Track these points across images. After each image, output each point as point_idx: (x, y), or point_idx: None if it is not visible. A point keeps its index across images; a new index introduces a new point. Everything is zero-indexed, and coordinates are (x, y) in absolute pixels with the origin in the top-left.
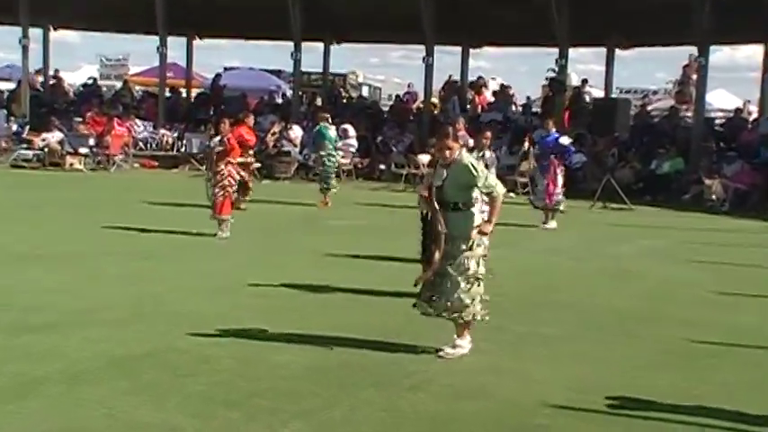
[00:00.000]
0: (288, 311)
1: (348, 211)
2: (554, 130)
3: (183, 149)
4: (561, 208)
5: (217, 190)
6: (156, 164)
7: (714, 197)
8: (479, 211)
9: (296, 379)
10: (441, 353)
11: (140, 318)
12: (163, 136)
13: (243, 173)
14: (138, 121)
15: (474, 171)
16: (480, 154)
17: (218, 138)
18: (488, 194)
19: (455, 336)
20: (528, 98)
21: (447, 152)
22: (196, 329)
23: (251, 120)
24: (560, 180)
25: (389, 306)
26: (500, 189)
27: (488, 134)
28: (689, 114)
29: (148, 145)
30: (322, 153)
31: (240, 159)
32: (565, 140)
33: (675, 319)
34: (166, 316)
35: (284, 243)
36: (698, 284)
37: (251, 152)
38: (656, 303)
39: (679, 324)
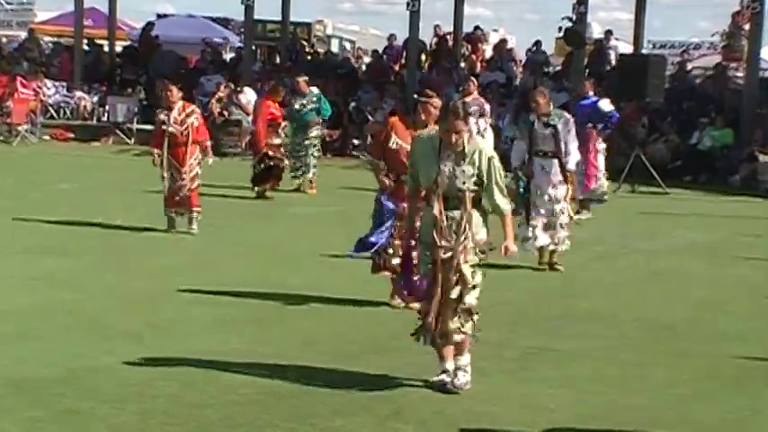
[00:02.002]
0: (239, 323)
1: (314, 195)
2: (592, 92)
3: (105, 117)
4: (605, 197)
5: (187, 182)
6: (72, 135)
7: None
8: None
9: (249, 406)
10: (452, 384)
11: (51, 331)
12: (80, 100)
13: (276, 155)
14: (48, 81)
15: (495, 165)
16: (541, 122)
17: (175, 112)
18: (493, 210)
19: (448, 357)
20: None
21: (454, 137)
22: (124, 345)
23: (281, 93)
24: (601, 159)
25: (361, 316)
26: (506, 205)
27: (539, 99)
28: (739, 74)
29: (62, 112)
30: (312, 134)
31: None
32: (605, 105)
33: (726, 332)
34: (85, 328)
35: (234, 237)
36: (753, 288)
37: (279, 129)
38: (701, 313)
39: (731, 339)
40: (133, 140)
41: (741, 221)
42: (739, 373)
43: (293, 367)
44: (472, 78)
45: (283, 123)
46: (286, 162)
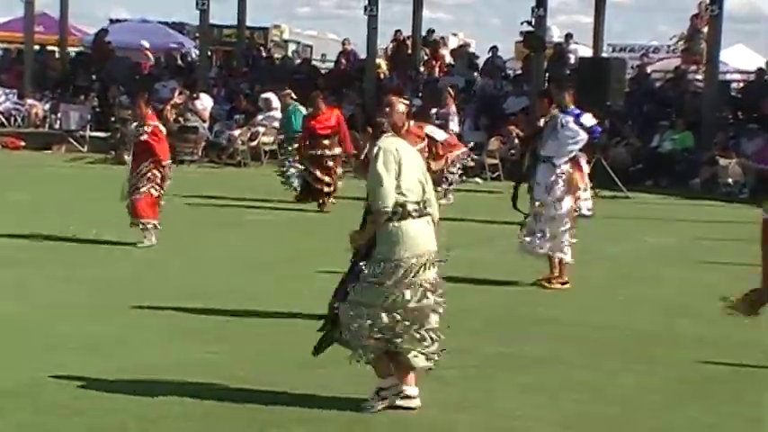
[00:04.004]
0: (196, 333)
1: (272, 202)
2: (573, 105)
3: (57, 125)
4: (586, 213)
5: (132, 189)
6: (23, 143)
7: (731, 181)
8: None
9: (207, 418)
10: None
11: (2, 343)
12: (31, 108)
13: (316, 171)
14: None
15: (373, 162)
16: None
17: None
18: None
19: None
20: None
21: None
22: (78, 358)
23: (320, 105)
24: (584, 176)
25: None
26: (378, 204)
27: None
28: (699, 77)
29: (12, 119)
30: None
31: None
32: (588, 120)
33: (691, 337)
34: (37, 340)
35: (191, 245)
36: (716, 292)
37: (326, 141)
38: (665, 318)
39: (699, 345)
40: (86, 148)
41: (702, 225)
42: (710, 378)
43: (253, 377)
44: (449, 89)
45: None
46: (326, 179)
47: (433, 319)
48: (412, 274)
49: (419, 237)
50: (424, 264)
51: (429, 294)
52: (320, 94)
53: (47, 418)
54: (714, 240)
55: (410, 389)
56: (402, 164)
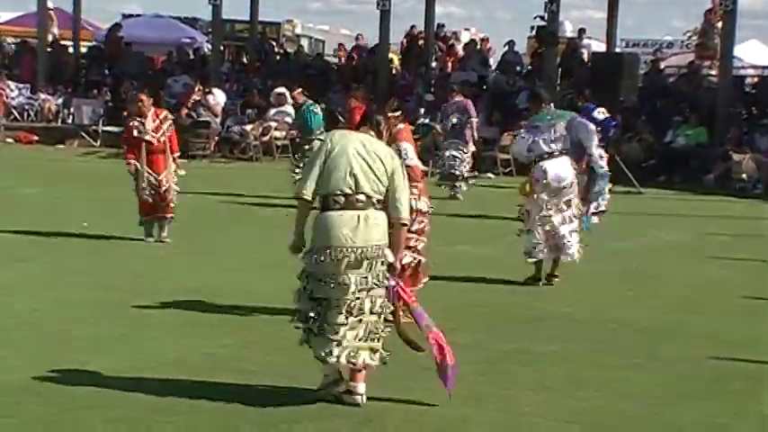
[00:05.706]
0: (206, 329)
1: (284, 198)
2: (585, 101)
3: (70, 120)
4: (602, 207)
5: (164, 190)
6: (36, 138)
7: (745, 176)
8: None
9: (217, 413)
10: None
11: (10, 342)
12: (44, 102)
13: None
14: (10, 82)
15: None
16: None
17: (150, 120)
18: None
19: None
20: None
21: None
22: (88, 355)
23: (350, 104)
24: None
25: None
26: (295, 191)
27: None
28: (713, 73)
29: (25, 114)
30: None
31: None
32: (599, 114)
33: (701, 333)
34: (48, 338)
35: (202, 241)
36: (728, 288)
37: None
38: (676, 314)
39: (706, 340)
40: (99, 143)
41: (715, 221)
42: (717, 374)
43: (261, 373)
44: (452, 86)
45: None
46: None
47: (339, 318)
48: (322, 264)
49: (339, 229)
50: (337, 257)
51: (351, 292)
52: (354, 94)
53: (57, 412)
54: (727, 236)
55: (356, 385)
56: (337, 155)
